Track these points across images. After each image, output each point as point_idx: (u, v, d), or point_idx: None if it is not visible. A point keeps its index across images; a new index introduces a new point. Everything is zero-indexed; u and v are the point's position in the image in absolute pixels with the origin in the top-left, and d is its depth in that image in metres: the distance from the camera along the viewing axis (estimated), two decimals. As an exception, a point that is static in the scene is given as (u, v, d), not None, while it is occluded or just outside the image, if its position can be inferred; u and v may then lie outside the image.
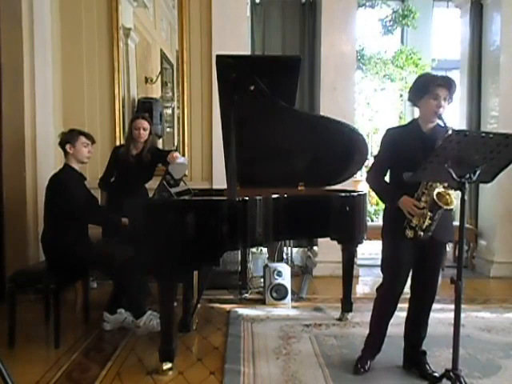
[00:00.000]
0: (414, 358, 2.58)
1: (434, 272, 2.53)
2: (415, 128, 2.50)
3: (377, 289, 2.62)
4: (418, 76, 2.60)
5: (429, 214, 2.30)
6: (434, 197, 2.25)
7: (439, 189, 2.27)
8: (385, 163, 2.53)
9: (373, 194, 3.03)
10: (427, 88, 2.39)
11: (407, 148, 2.42)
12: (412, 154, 2.38)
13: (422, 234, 2.34)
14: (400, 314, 2.62)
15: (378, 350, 2.65)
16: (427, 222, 2.32)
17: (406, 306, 2.62)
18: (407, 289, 2.58)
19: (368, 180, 2.69)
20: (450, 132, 2.22)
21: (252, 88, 2.81)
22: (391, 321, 2.64)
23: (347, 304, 3.42)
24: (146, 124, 3.62)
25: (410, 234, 2.36)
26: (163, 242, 2.49)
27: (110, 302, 3.25)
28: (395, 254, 2.49)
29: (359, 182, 6.38)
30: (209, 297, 3.87)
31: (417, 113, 2.56)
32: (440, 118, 2.35)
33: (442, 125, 2.33)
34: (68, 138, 3.16)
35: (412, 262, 2.49)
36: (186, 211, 2.51)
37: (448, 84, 2.39)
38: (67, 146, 3.15)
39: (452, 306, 2.11)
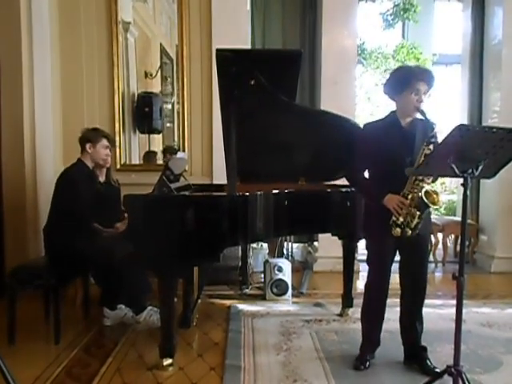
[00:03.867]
0: (414, 353, 2.57)
1: (422, 266, 2.53)
2: (394, 122, 2.46)
3: (365, 285, 2.62)
4: (396, 69, 2.56)
5: (417, 212, 2.29)
6: (423, 196, 2.25)
7: (427, 187, 2.27)
8: (365, 160, 2.50)
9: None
10: (408, 82, 2.35)
11: (388, 143, 2.38)
12: (393, 150, 2.37)
13: (410, 232, 2.33)
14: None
15: (377, 345, 2.64)
16: (416, 220, 2.31)
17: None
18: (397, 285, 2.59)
19: (350, 178, 2.68)
20: (435, 127, 2.25)
21: (252, 82, 2.79)
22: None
23: (348, 299, 3.41)
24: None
25: (396, 232, 2.34)
26: (163, 237, 2.48)
27: (104, 297, 3.23)
28: (381, 252, 2.50)
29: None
30: (209, 292, 3.86)
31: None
32: (422, 112, 2.35)
33: (424, 119, 2.33)
34: (90, 137, 3.18)
35: (394, 255, 2.50)
36: (186, 207, 2.50)
37: (428, 78, 2.37)
38: (87, 145, 3.17)
39: (452, 302, 2.10)
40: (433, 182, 2.37)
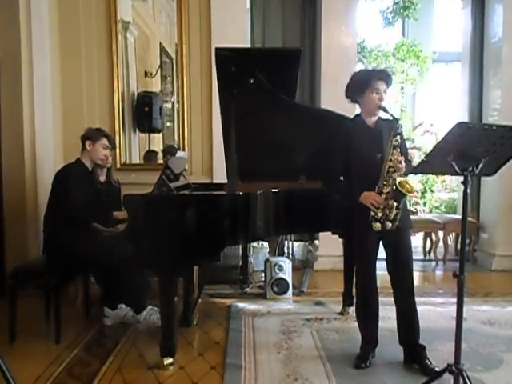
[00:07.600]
0: (413, 352, 2.57)
1: (407, 259, 2.56)
2: (361, 124, 2.57)
3: (355, 285, 2.66)
4: (355, 73, 2.66)
5: (394, 203, 2.37)
6: (398, 186, 2.33)
7: (399, 178, 2.36)
8: (338, 162, 2.57)
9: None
10: (367, 83, 2.47)
11: (357, 144, 2.49)
12: (362, 150, 2.47)
13: (390, 224, 2.40)
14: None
15: (375, 344, 2.64)
16: (394, 211, 2.38)
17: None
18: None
19: (324, 182, 2.75)
20: (399, 119, 2.39)
21: (252, 81, 2.79)
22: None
23: (348, 298, 3.40)
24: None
25: (377, 227, 2.41)
26: (163, 236, 2.48)
27: (105, 296, 3.23)
28: (365, 250, 2.55)
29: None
30: (210, 291, 3.86)
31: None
32: (384, 109, 2.45)
33: (389, 116, 2.42)
34: (91, 135, 3.20)
35: (377, 251, 2.55)
36: (185, 206, 2.50)
37: (386, 77, 2.50)
38: (87, 143, 3.18)
39: (453, 300, 2.10)
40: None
